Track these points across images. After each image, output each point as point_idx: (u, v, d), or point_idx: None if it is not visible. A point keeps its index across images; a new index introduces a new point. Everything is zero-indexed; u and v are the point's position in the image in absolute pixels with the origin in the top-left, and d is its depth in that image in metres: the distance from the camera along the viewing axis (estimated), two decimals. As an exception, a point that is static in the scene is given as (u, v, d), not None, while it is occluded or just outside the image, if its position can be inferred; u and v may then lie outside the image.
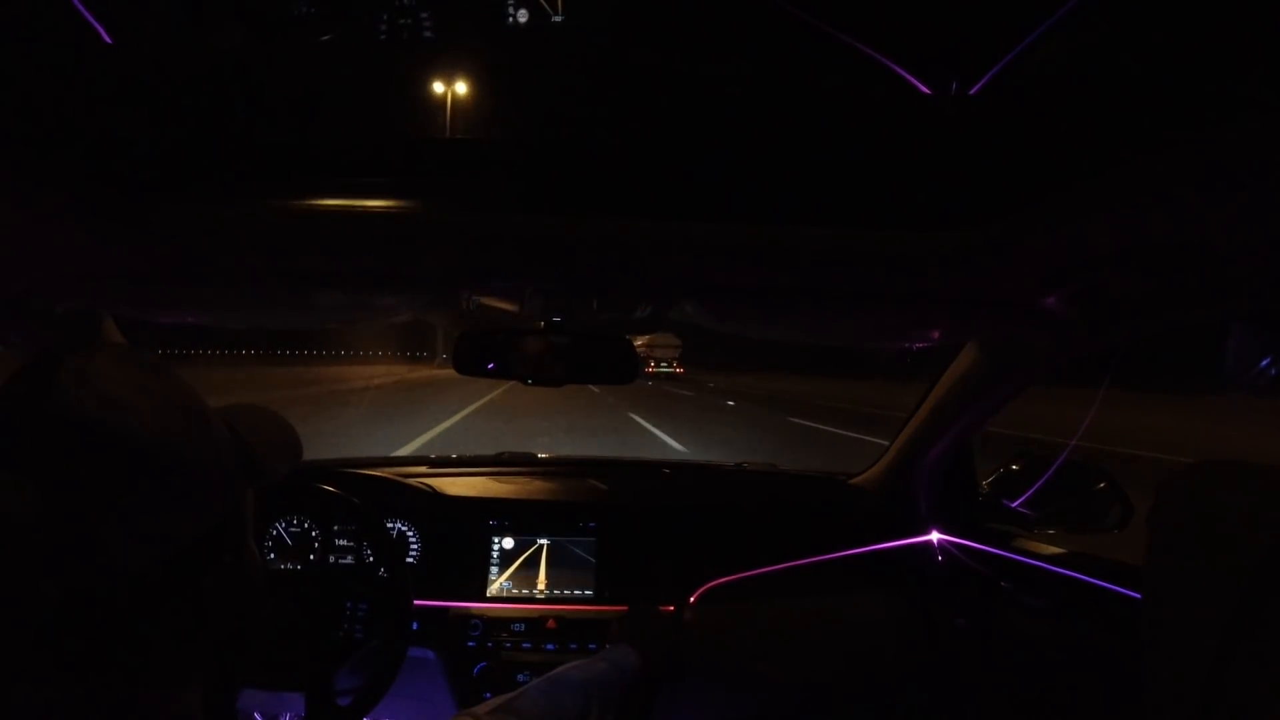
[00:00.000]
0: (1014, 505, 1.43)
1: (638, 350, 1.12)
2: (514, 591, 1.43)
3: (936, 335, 1.22)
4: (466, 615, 1.39)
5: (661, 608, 1.40)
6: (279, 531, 1.38)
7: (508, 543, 1.46)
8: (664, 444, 9.67)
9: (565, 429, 10.69)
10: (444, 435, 9.74)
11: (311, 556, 1.37)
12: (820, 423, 12.54)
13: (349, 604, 1.26)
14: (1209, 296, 0.84)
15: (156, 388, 0.48)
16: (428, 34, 0.59)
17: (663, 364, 37.72)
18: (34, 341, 1.08)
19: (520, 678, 1.35)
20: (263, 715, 1.40)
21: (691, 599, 1.43)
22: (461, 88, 0.64)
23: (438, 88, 0.64)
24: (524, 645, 1.38)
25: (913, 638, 1.51)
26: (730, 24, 0.60)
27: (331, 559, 1.39)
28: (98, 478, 0.43)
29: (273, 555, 1.37)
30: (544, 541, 1.47)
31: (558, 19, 0.59)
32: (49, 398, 0.43)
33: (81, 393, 0.44)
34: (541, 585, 1.44)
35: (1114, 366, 1.22)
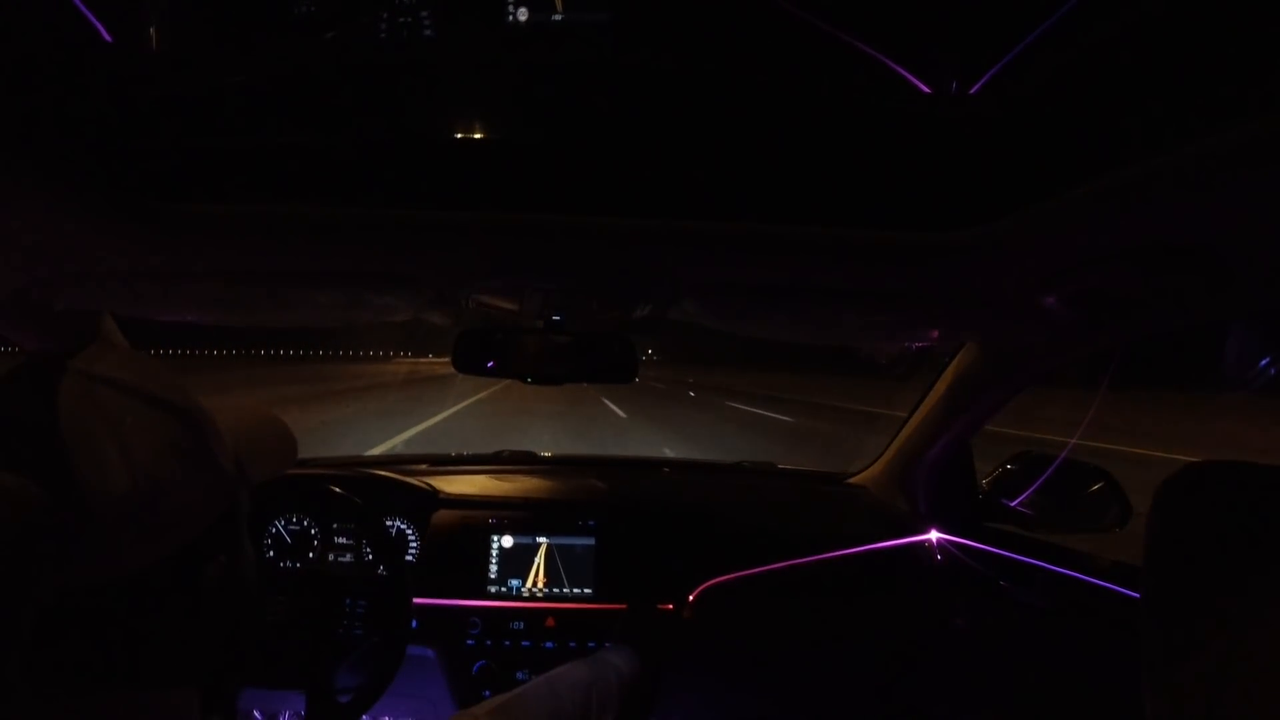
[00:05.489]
0: (1013, 505, 1.43)
1: None
2: (513, 590, 1.43)
3: (936, 335, 1.22)
4: (466, 613, 1.39)
5: (660, 606, 1.40)
6: (278, 530, 1.38)
7: (507, 541, 1.46)
8: (610, 409, 12.97)
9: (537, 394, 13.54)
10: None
11: (311, 555, 1.37)
12: (748, 405, 16.36)
13: (348, 602, 1.26)
14: (1209, 296, 0.84)
15: (152, 388, 0.48)
16: (428, 33, 0.59)
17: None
18: (34, 341, 1.08)
19: (519, 676, 1.35)
20: (262, 713, 1.40)
21: (690, 598, 1.43)
22: (461, 87, 0.64)
23: (438, 87, 0.64)
24: (523, 644, 1.38)
25: (912, 638, 1.51)
26: (731, 23, 0.60)
27: (331, 557, 1.39)
28: (94, 479, 0.43)
29: (272, 554, 1.37)
30: (543, 540, 1.47)
31: (558, 17, 0.59)
32: (46, 398, 0.43)
33: (77, 393, 0.44)
34: (541, 584, 1.44)
35: (1114, 367, 1.22)
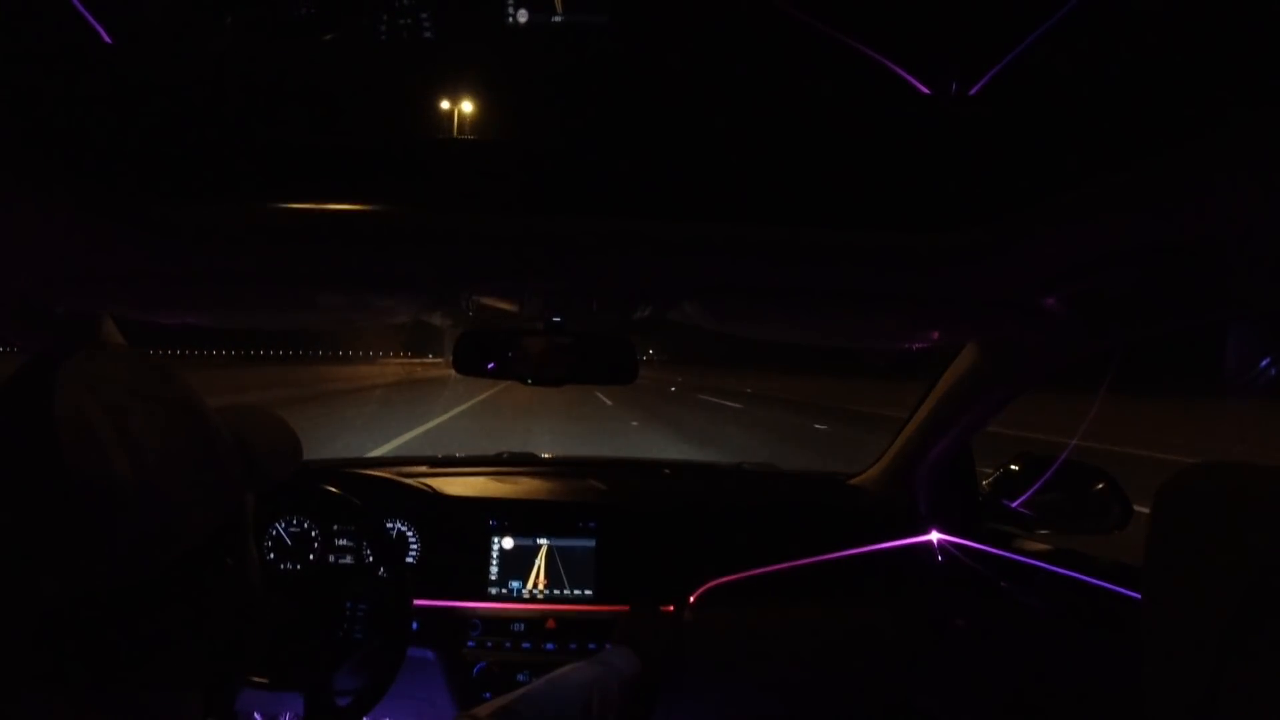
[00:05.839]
0: (1014, 505, 1.43)
1: None
2: (514, 592, 1.43)
3: (936, 335, 1.22)
4: (466, 615, 1.39)
5: (661, 608, 1.40)
6: (279, 531, 1.38)
7: (507, 543, 1.46)
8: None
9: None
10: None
11: (311, 557, 1.37)
12: (709, 395, 17.70)
13: (349, 604, 1.26)
14: (1209, 297, 0.84)
15: (158, 390, 0.48)
16: (428, 34, 0.59)
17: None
18: (34, 341, 1.08)
19: (520, 678, 1.35)
20: (262, 715, 1.40)
21: (691, 599, 1.43)
22: (461, 88, 0.64)
23: (438, 88, 0.64)
24: (524, 645, 1.38)
25: (912, 638, 1.51)
26: (731, 24, 0.60)
27: (331, 559, 1.39)
28: (99, 480, 0.42)
29: (273, 555, 1.37)
30: (544, 541, 1.47)
31: (558, 19, 0.59)
32: (50, 399, 0.43)
33: (83, 395, 0.44)
34: (541, 585, 1.44)
35: (1114, 367, 1.22)
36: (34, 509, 0.42)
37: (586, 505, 1.53)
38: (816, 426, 13.80)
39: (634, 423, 13.07)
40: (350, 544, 1.40)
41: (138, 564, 0.44)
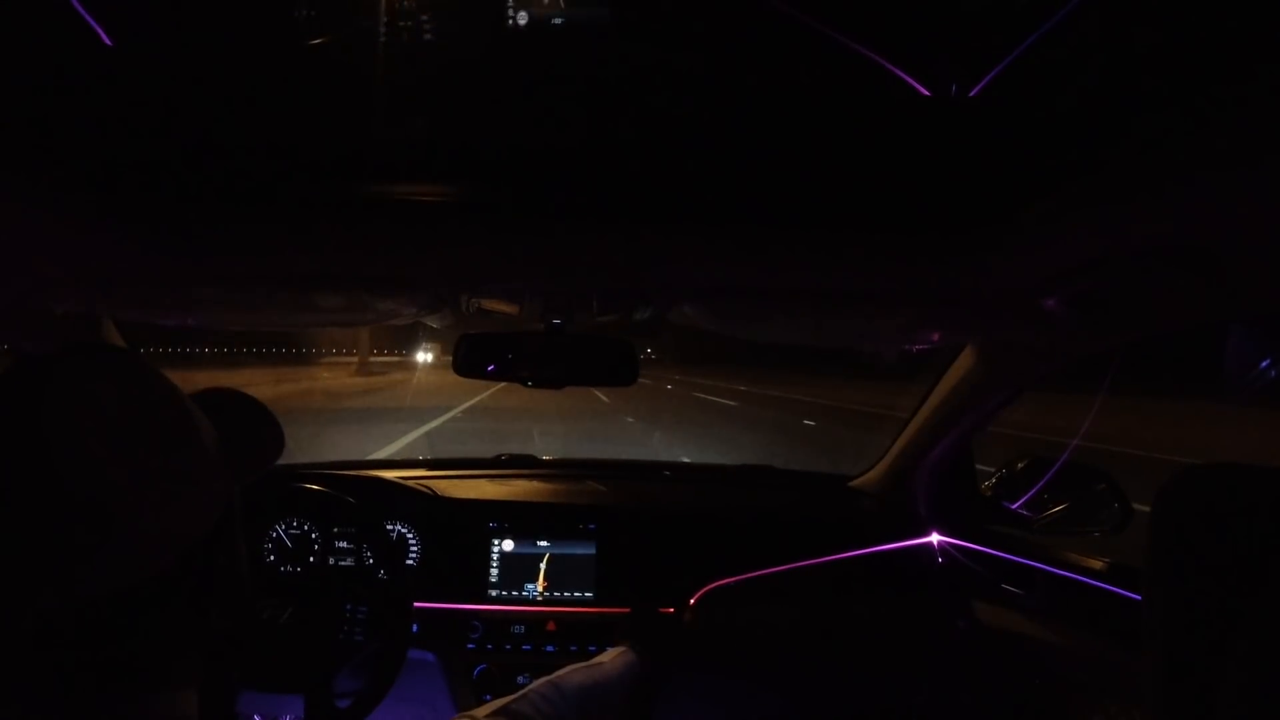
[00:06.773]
0: (1014, 507, 1.43)
1: None
2: (514, 593, 1.43)
3: (936, 336, 1.22)
4: (467, 617, 1.39)
5: (661, 610, 1.40)
6: (279, 534, 1.38)
7: (508, 545, 1.46)
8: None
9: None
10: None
11: (312, 559, 1.37)
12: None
13: (349, 606, 1.26)
14: (1209, 298, 0.84)
15: (146, 391, 0.48)
16: (427, 36, 0.59)
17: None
18: (34, 342, 1.08)
19: (520, 679, 1.35)
20: (262, 717, 1.40)
21: (692, 601, 1.43)
22: (462, 90, 0.64)
23: (437, 90, 0.64)
24: (524, 647, 1.38)
25: (913, 640, 1.51)
26: (731, 26, 0.60)
27: (331, 561, 1.39)
28: (93, 489, 0.42)
29: (273, 558, 1.37)
30: (544, 543, 1.47)
31: (557, 21, 0.59)
32: (38, 406, 0.43)
33: (72, 400, 0.44)
34: (541, 587, 1.44)
35: (1114, 368, 1.22)
36: (27, 519, 0.41)
37: (586, 507, 1.53)
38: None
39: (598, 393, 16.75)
40: (350, 546, 1.40)
41: (134, 570, 0.44)
